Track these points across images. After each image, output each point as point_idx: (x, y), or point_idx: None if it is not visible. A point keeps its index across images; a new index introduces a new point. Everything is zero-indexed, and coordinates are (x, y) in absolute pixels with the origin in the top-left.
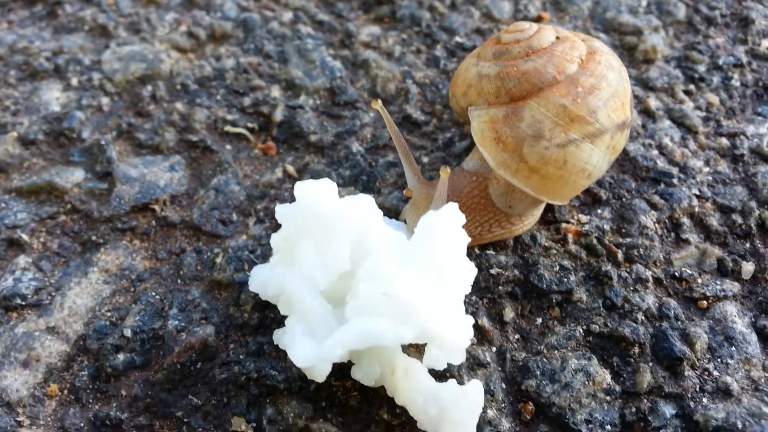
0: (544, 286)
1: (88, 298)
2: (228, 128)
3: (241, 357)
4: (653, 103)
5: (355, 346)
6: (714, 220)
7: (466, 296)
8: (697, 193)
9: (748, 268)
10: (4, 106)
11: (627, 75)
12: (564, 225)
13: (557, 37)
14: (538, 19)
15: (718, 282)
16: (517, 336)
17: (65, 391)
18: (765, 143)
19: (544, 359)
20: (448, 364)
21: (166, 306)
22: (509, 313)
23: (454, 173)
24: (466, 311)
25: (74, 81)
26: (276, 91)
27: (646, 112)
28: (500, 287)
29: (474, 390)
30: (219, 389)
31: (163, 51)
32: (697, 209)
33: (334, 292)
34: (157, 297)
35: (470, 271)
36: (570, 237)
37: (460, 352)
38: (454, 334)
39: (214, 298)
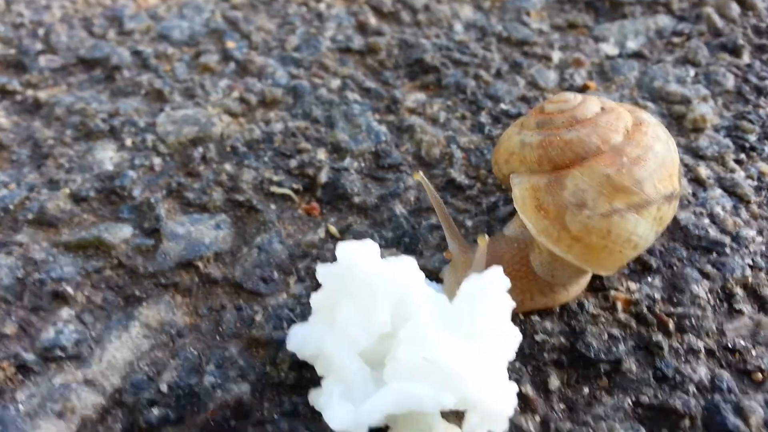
0: (592, 354)
1: (127, 352)
2: (273, 189)
3: (276, 416)
4: (704, 171)
5: (394, 411)
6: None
7: (509, 363)
8: (750, 263)
9: None
10: (58, 164)
11: (675, 146)
12: (613, 293)
13: (602, 108)
14: (584, 88)
15: None
16: (562, 405)
17: None
18: None
19: (591, 430)
20: None
21: (204, 362)
22: (554, 382)
23: (495, 239)
24: (510, 378)
25: (128, 141)
26: (322, 154)
27: (697, 181)
28: (545, 354)
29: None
30: None
31: (215, 115)
32: (750, 279)
33: (373, 354)
34: (195, 353)
35: (515, 336)
36: (619, 305)
37: (502, 420)
38: (496, 402)
39: (251, 355)
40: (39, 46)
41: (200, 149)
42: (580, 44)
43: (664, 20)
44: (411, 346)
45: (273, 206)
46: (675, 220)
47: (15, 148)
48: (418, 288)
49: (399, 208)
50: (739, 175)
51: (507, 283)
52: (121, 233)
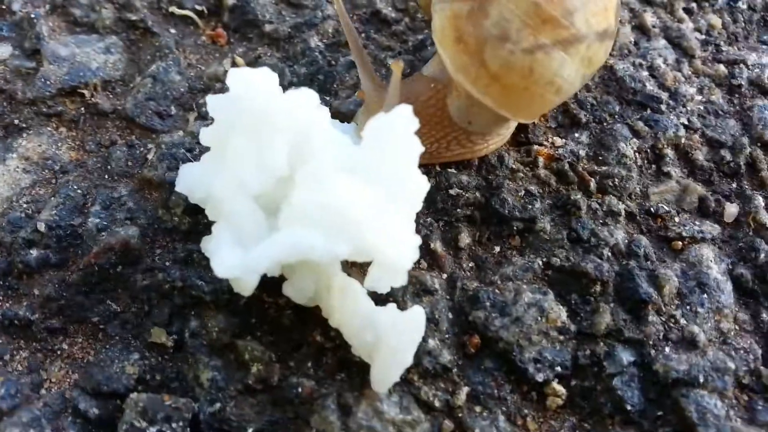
0: (506, 211)
1: (4, 187)
2: (173, 9)
3: (167, 264)
4: (649, 18)
5: (284, 259)
6: (700, 155)
7: (419, 216)
8: (686, 122)
9: (731, 210)
10: None
11: None
12: (536, 147)
13: None
14: None
15: (697, 223)
16: (471, 264)
17: None
18: (766, 75)
19: (497, 290)
20: (392, 288)
21: (89, 202)
22: (465, 239)
23: (412, 79)
24: (419, 232)
25: None
26: None
27: (641, 28)
28: (458, 210)
29: (415, 316)
30: (140, 296)
31: None
32: (683, 140)
33: (270, 199)
34: (80, 191)
35: (421, 185)
36: (541, 160)
37: (401, 273)
38: (396, 253)
39: (142, 198)
40: None
41: None
42: None
43: None
44: (307, 189)
45: (172, 30)
46: (611, 70)
47: None
48: (320, 126)
49: (315, 41)
50: (687, 26)
51: (414, 123)
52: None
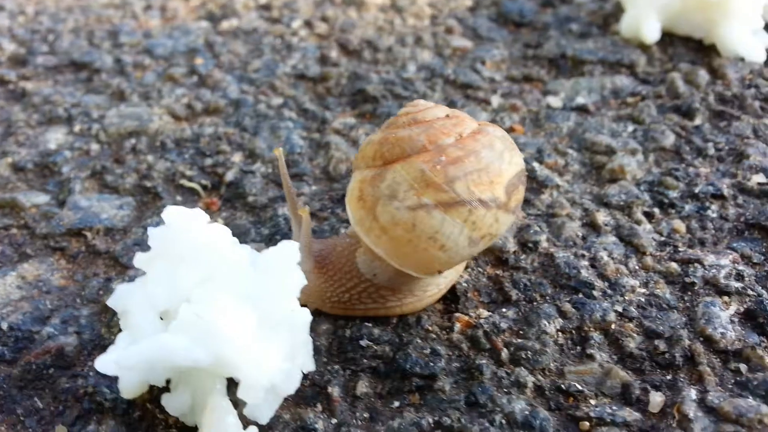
0: (408, 366)
1: None
2: (183, 181)
3: (91, 373)
4: (602, 217)
5: (150, 359)
6: (632, 342)
7: (328, 362)
8: (620, 310)
9: (656, 399)
10: (17, 141)
11: (515, 160)
12: (457, 314)
13: (447, 115)
14: (509, 130)
15: (614, 407)
16: (366, 414)
17: None
18: (722, 275)
19: None
20: (271, 420)
21: (53, 316)
22: (364, 388)
23: (341, 235)
24: (321, 377)
25: (77, 128)
26: (237, 157)
27: (591, 225)
28: (365, 360)
29: None
30: (60, 397)
31: (157, 114)
32: (613, 326)
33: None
34: (49, 307)
35: (297, 314)
36: (458, 326)
37: (254, 390)
38: (252, 371)
39: (98, 319)
40: (44, 48)
41: (133, 141)
42: (524, 93)
43: (623, 81)
44: (191, 303)
45: (178, 197)
46: (551, 257)
47: None
48: (227, 254)
49: (284, 210)
50: (645, 227)
51: (295, 256)
52: (36, 199)
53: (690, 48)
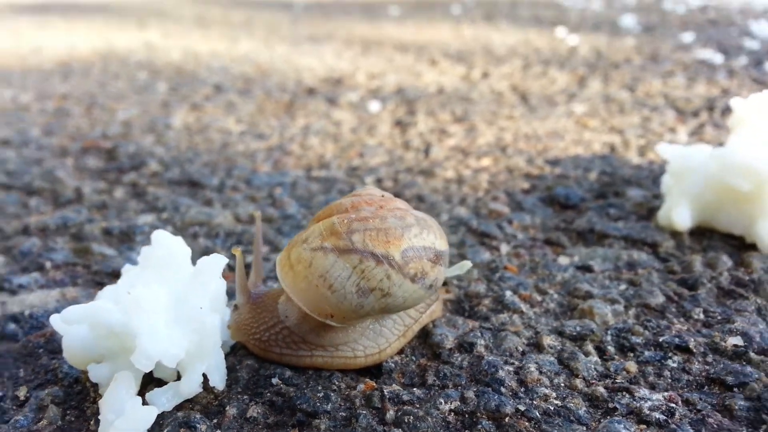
0: (297, 402)
1: None
2: None
3: None
4: (549, 341)
5: (86, 315)
6: None
7: (240, 393)
8: (522, 409)
9: None
10: (119, 217)
11: (429, 239)
12: (367, 380)
13: (382, 195)
14: (504, 269)
15: None
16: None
17: None
18: (648, 406)
19: None
20: (164, 413)
21: None
22: (255, 414)
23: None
24: (229, 400)
25: (164, 215)
26: (266, 248)
27: (536, 345)
28: (269, 394)
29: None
30: (36, 369)
31: (224, 215)
32: (507, 419)
33: None
34: None
35: (204, 309)
36: (361, 386)
37: (144, 357)
38: (148, 339)
39: None
40: (176, 170)
41: (197, 228)
42: (535, 248)
43: (642, 256)
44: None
45: None
46: (480, 359)
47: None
48: (174, 262)
49: None
50: (590, 358)
51: (219, 268)
52: (105, 251)
53: (728, 243)
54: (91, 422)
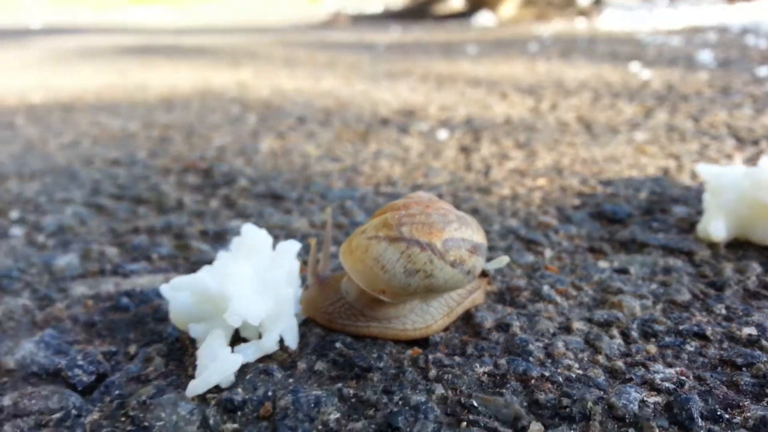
0: (355, 359)
1: None
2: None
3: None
4: (578, 325)
5: (189, 284)
6: (543, 396)
7: (309, 353)
8: (546, 374)
9: (535, 427)
10: (215, 222)
11: (467, 233)
12: (415, 347)
13: (430, 198)
14: (544, 268)
15: (502, 429)
16: (315, 384)
17: None
18: (660, 377)
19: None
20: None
21: None
22: (320, 367)
23: None
24: (300, 357)
25: (252, 220)
26: (333, 248)
27: (566, 328)
28: (332, 354)
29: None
30: (145, 333)
31: (301, 222)
32: (533, 381)
33: None
34: None
35: (280, 281)
36: (409, 352)
37: (235, 315)
38: (239, 302)
39: None
40: (261, 186)
41: (277, 232)
42: (577, 254)
43: (677, 263)
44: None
45: None
46: (515, 336)
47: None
48: (257, 246)
49: None
50: (615, 340)
51: (292, 251)
52: (201, 246)
53: (762, 254)
54: (189, 369)
